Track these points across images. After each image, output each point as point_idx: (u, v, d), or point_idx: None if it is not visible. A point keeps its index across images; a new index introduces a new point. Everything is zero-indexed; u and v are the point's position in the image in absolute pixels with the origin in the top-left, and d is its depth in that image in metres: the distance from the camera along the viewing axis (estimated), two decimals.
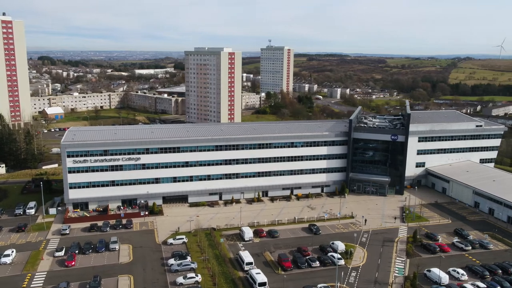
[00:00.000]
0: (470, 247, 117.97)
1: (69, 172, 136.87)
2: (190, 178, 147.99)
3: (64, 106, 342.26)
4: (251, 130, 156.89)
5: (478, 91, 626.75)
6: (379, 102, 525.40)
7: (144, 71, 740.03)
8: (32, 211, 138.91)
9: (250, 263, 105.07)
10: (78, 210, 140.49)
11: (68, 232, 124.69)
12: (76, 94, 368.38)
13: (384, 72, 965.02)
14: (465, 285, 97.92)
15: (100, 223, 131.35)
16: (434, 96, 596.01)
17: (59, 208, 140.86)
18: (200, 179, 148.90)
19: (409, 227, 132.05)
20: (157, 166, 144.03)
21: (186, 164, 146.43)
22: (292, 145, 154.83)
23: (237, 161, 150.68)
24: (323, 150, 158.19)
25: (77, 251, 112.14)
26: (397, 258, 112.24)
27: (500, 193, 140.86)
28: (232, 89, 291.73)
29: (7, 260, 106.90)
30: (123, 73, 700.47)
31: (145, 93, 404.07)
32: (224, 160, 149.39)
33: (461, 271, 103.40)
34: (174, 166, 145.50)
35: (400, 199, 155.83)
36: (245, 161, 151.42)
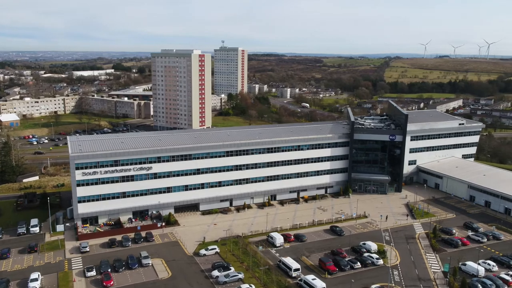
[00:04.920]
0: (485, 239, 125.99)
1: (78, 185, 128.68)
2: (202, 186, 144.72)
3: (15, 112, 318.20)
4: (257, 135, 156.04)
5: (414, 88, 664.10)
6: (329, 101, 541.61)
7: (85, 73, 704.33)
8: (37, 229, 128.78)
9: (298, 269, 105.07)
10: (88, 225, 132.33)
11: (88, 249, 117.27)
12: (28, 99, 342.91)
13: (322, 71, 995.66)
14: (500, 275, 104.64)
15: (118, 237, 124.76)
16: (376, 94, 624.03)
17: (67, 224, 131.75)
18: (212, 186, 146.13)
19: (422, 223, 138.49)
20: (168, 174, 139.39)
21: (198, 172, 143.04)
22: (298, 148, 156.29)
23: (247, 166, 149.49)
24: (327, 152, 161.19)
25: (109, 269, 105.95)
26: (427, 254, 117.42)
27: (495, 187, 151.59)
28: (203, 91, 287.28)
29: (36, 285, 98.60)
30: (62, 75, 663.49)
31: (102, 96, 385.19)
32: (235, 165, 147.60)
33: (491, 262, 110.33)
34: (186, 174, 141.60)
35: (401, 196, 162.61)
36: (255, 166, 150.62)
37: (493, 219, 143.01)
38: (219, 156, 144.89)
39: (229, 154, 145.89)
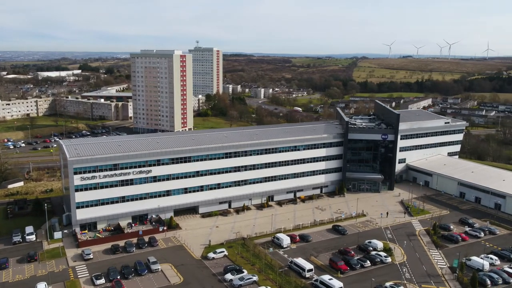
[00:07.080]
0: (483, 234, 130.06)
1: (76, 190, 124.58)
2: (201, 188, 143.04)
3: None
4: (254, 136, 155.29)
5: (384, 88, 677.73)
6: (303, 101, 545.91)
7: (52, 74, 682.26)
8: (33, 237, 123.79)
9: (311, 270, 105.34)
10: (87, 231, 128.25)
11: (92, 256, 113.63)
12: None
13: (292, 71, 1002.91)
14: (504, 268, 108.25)
15: (121, 243, 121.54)
16: (347, 93, 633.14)
17: (65, 231, 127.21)
18: (211, 188, 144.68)
19: (419, 220, 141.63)
20: (168, 177, 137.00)
21: (197, 174, 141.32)
22: (295, 148, 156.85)
23: (245, 168, 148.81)
24: (322, 152, 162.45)
25: (118, 277, 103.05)
26: (430, 251, 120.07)
27: (484, 183, 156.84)
28: (185, 92, 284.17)
29: None
30: (27, 76, 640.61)
31: (77, 98, 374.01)
32: (234, 167, 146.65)
33: (493, 257, 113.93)
34: (185, 177, 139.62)
35: (394, 194, 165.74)
36: (253, 167, 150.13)
37: (485, 215, 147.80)
38: (218, 158, 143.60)
39: (228, 155, 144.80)
